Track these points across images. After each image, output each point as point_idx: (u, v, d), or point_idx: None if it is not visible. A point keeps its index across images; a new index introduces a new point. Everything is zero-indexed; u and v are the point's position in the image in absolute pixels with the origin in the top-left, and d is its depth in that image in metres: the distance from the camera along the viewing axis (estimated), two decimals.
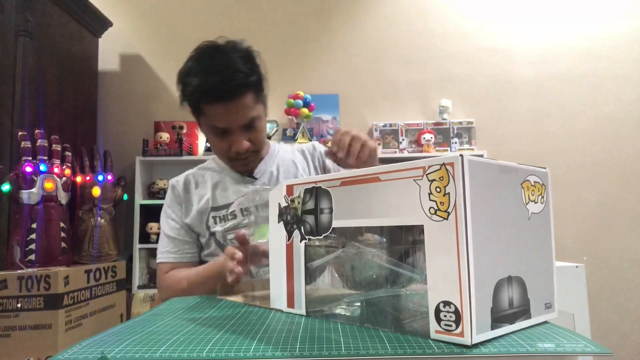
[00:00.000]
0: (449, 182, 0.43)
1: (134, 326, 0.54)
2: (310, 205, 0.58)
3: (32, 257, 1.74)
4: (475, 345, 0.42)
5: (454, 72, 2.66)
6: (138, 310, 2.21)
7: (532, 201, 0.51)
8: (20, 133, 1.80)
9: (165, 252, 1.05)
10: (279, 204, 0.64)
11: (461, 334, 0.41)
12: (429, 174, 0.44)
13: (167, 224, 1.06)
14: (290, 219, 0.61)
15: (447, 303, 0.42)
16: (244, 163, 1.05)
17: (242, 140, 0.97)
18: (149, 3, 2.71)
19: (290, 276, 0.61)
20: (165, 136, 2.46)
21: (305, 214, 0.59)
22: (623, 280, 2.49)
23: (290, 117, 2.51)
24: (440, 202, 0.43)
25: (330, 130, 2.61)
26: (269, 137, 2.48)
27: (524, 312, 0.48)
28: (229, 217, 1.03)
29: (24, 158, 1.77)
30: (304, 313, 0.58)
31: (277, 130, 2.52)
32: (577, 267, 1.42)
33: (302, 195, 0.60)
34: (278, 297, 0.63)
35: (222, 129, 0.96)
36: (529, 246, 0.50)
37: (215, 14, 2.70)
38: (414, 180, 0.46)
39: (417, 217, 0.45)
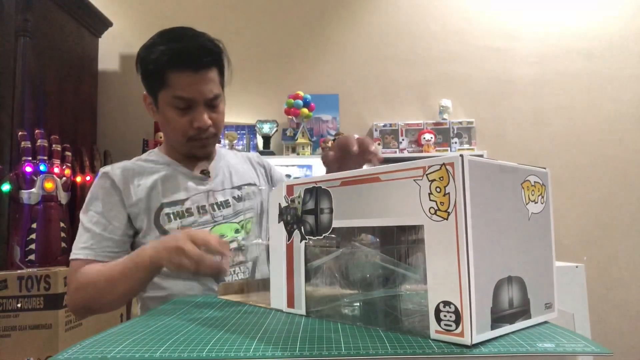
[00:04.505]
0: (449, 182, 0.43)
1: (134, 326, 0.54)
2: (310, 205, 0.58)
3: (32, 257, 1.74)
4: (475, 345, 0.42)
5: (454, 72, 2.66)
6: (138, 310, 2.20)
7: (532, 201, 0.51)
8: (20, 133, 1.80)
9: (82, 247, 0.90)
10: (279, 204, 0.64)
11: (461, 334, 0.41)
12: (429, 174, 0.44)
13: (91, 218, 0.93)
14: (291, 219, 0.61)
15: (447, 303, 0.43)
16: (203, 144, 1.00)
17: (205, 115, 0.94)
18: (149, 3, 2.71)
19: (290, 276, 0.61)
20: None
21: (306, 214, 0.59)
22: (623, 280, 2.49)
23: (290, 117, 2.51)
24: (441, 202, 0.43)
25: (331, 131, 2.61)
26: (269, 137, 2.48)
27: (524, 312, 0.48)
28: (185, 213, 0.96)
29: (24, 158, 1.77)
30: (304, 313, 0.59)
31: (277, 130, 2.52)
32: (577, 267, 1.43)
33: (302, 195, 0.60)
34: (278, 297, 0.63)
35: (186, 100, 0.92)
36: (529, 246, 0.50)
37: (215, 14, 2.70)
38: (414, 180, 0.46)
39: (417, 217, 0.45)
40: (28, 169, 1.76)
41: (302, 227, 0.59)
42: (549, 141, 2.59)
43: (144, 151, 2.40)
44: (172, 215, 0.95)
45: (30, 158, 1.79)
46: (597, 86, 2.60)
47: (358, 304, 0.55)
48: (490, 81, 2.64)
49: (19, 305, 1.48)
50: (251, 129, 2.54)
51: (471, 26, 2.68)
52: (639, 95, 2.58)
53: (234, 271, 0.96)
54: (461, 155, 0.42)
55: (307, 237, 0.59)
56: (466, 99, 2.63)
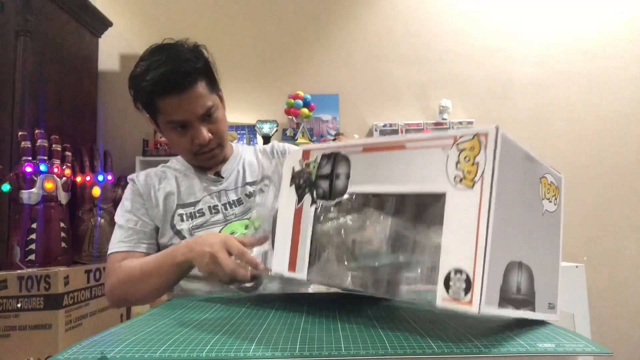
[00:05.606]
0: (479, 152, 0.42)
1: (134, 326, 0.54)
2: (326, 170, 0.56)
3: (32, 257, 1.74)
4: (479, 348, 0.41)
5: (454, 72, 2.66)
6: (138, 310, 2.20)
7: (547, 199, 0.50)
8: (20, 133, 1.80)
9: (117, 242, 0.96)
10: (293, 168, 0.62)
11: (469, 303, 0.40)
12: (459, 143, 0.44)
13: (123, 217, 0.99)
14: (303, 183, 0.59)
15: (458, 271, 0.41)
16: (210, 157, 1.03)
17: (203, 131, 0.96)
18: (149, 3, 2.71)
19: (295, 239, 0.59)
20: None
21: (320, 178, 0.57)
22: (623, 280, 2.49)
23: (290, 117, 2.51)
24: (468, 171, 0.42)
25: (331, 131, 2.61)
26: (269, 137, 2.48)
27: (529, 303, 0.47)
28: (197, 214, 1.00)
29: (24, 158, 1.77)
30: (304, 277, 0.56)
31: (277, 130, 2.52)
32: (577, 267, 1.43)
33: (318, 160, 0.58)
34: (280, 262, 0.60)
35: (180, 122, 0.95)
36: (540, 242, 0.49)
37: (214, 14, 2.70)
38: (442, 149, 0.45)
39: (441, 185, 0.44)
40: (28, 169, 1.76)
41: (315, 191, 0.57)
42: (549, 141, 2.59)
43: (144, 151, 2.42)
44: (184, 216, 0.99)
45: (30, 158, 1.78)
46: (597, 86, 2.60)
47: (360, 271, 0.52)
48: (490, 81, 2.64)
49: (19, 305, 1.47)
50: (251, 129, 2.54)
51: (471, 26, 2.68)
52: (639, 95, 2.58)
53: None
54: (497, 127, 0.42)
55: (318, 201, 0.57)
56: (466, 99, 2.63)
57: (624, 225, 2.52)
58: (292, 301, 0.73)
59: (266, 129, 2.49)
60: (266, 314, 0.61)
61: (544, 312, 0.50)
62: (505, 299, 0.43)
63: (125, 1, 2.70)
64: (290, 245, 0.59)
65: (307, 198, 0.58)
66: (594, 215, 2.53)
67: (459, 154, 0.43)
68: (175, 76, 0.90)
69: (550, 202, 0.51)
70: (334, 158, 0.56)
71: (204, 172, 1.06)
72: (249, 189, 1.05)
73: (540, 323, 0.51)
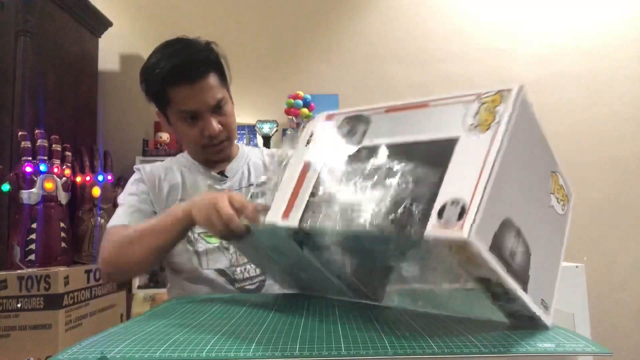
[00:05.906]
0: (500, 104, 0.43)
1: (134, 326, 0.54)
2: (344, 131, 0.57)
3: (32, 257, 1.74)
4: (479, 348, 0.41)
5: (454, 72, 2.65)
6: (138, 310, 2.20)
7: (555, 196, 0.50)
8: (20, 133, 1.80)
9: (118, 217, 0.97)
10: (312, 131, 0.62)
11: (460, 228, 0.38)
12: (482, 98, 0.45)
13: (126, 198, 1.00)
14: None
15: (455, 201, 0.40)
16: (218, 150, 1.03)
17: (213, 122, 0.97)
18: (149, 3, 2.71)
19: (296, 191, 0.58)
20: (165, 136, 2.46)
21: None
22: (623, 280, 2.49)
23: (290, 117, 2.51)
24: (485, 119, 0.43)
25: None
26: (269, 137, 2.48)
27: (521, 279, 0.44)
28: None
29: (24, 158, 1.77)
30: (296, 225, 0.55)
31: (277, 130, 2.52)
32: (577, 267, 1.43)
33: (339, 122, 0.59)
34: (276, 211, 0.59)
35: (191, 112, 0.96)
36: (542, 231, 0.48)
37: (215, 13, 2.70)
38: (463, 104, 0.46)
39: (454, 131, 0.45)
40: (28, 169, 1.76)
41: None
42: (549, 141, 2.58)
43: (144, 151, 2.42)
44: None
45: (30, 158, 1.78)
46: (597, 86, 2.60)
47: (355, 219, 0.50)
48: (490, 81, 2.64)
49: (19, 305, 1.47)
50: (251, 129, 2.54)
51: (471, 26, 2.68)
52: (638, 95, 2.58)
53: (245, 269, 0.97)
54: (521, 85, 0.43)
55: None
56: None
57: (625, 225, 2.52)
58: (292, 301, 0.73)
59: (266, 129, 2.49)
60: (266, 314, 0.61)
61: (536, 303, 0.47)
62: (497, 250, 0.41)
63: (125, 1, 2.70)
64: (290, 196, 0.58)
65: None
66: (594, 215, 2.52)
67: (480, 107, 0.44)
68: (188, 65, 0.92)
69: (558, 203, 0.50)
70: (355, 119, 0.57)
71: (209, 170, 1.07)
72: (253, 189, 1.05)
73: (536, 318, 0.50)
